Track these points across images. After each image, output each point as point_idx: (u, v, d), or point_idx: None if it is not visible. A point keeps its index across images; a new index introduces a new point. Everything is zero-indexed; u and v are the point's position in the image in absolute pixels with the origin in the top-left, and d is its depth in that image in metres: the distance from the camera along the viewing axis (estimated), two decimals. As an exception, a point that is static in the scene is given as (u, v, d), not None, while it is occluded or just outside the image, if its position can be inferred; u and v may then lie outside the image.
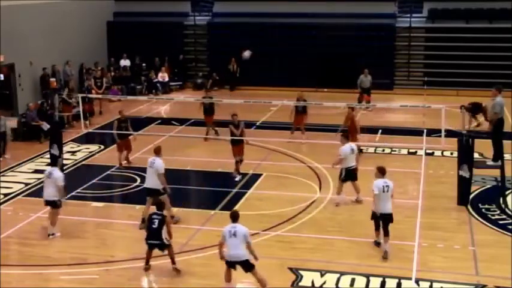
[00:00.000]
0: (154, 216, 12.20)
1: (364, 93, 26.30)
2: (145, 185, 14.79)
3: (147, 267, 12.32)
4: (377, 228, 13.16)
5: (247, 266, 11.20)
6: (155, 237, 12.08)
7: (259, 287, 11.39)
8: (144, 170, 18.18)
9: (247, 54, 24.54)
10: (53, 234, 13.94)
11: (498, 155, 17.56)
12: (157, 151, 14.66)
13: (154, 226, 12.06)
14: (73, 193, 16.61)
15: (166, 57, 31.81)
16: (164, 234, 12.09)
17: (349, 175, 15.70)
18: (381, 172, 13.24)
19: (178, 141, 21.15)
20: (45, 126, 21.77)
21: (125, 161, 19.06)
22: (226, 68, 31.21)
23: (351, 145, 15.79)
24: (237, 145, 17.61)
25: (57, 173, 14.26)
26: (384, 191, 12.92)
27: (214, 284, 11.80)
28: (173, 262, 12.23)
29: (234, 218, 11.35)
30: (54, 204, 14.05)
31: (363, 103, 25.29)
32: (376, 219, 13.14)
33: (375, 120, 24.12)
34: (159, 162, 14.22)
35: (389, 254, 12.69)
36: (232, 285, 11.51)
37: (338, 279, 11.85)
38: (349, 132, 19.12)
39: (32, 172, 18.70)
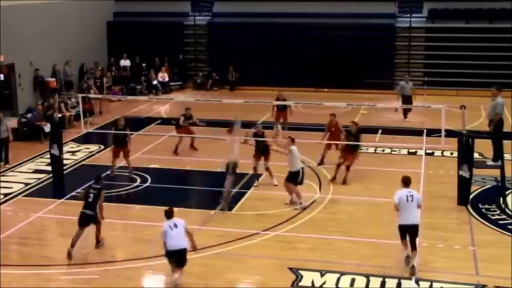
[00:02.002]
0: (91, 190, 13.26)
1: (405, 102, 24.16)
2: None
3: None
4: (403, 238, 12.22)
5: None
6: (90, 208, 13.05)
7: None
8: (144, 170, 18.32)
9: None
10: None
11: (498, 155, 17.55)
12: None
13: (89, 200, 13.09)
14: (73, 193, 16.61)
15: (166, 57, 31.82)
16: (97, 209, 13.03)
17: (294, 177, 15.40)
18: (405, 182, 12.54)
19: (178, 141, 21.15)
20: (48, 127, 21.76)
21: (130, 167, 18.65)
22: (226, 76, 31.33)
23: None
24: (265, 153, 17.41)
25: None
26: (407, 201, 12.15)
27: (214, 284, 11.80)
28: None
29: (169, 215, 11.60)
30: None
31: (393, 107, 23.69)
32: (401, 231, 12.27)
33: (375, 120, 24.12)
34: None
35: (416, 270, 11.94)
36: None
37: (338, 279, 11.85)
38: (333, 137, 18.86)
39: (32, 172, 18.69)
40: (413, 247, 12.12)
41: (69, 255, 12.74)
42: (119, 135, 18.06)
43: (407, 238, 12.10)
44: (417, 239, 12.32)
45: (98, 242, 13.35)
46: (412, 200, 12.17)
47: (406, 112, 24.15)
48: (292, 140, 15.69)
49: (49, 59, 27.01)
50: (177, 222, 11.42)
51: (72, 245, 12.84)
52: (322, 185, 17.06)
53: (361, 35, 31.04)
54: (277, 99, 21.83)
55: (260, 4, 31.41)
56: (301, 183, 15.53)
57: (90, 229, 14.27)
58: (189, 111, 20.26)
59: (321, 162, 18.76)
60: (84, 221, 13.10)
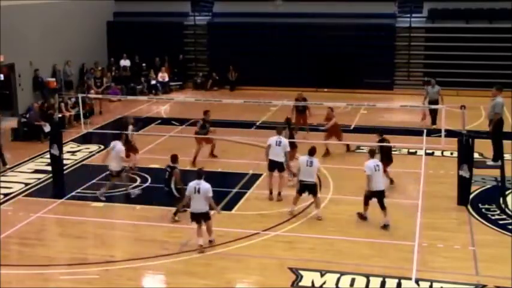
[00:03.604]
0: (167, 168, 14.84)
1: (432, 112, 22.73)
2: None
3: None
4: (366, 204, 14.37)
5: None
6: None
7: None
8: (143, 170, 18.32)
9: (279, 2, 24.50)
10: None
11: (498, 155, 17.57)
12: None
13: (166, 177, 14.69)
14: (73, 193, 16.62)
15: (166, 57, 31.82)
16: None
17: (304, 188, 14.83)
18: (371, 154, 14.59)
19: (178, 141, 21.13)
20: (47, 127, 21.75)
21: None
22: (226, 76, 31.32)
23: (308, 157, 14.74)
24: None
25: (120, 146, 16.04)
26: (375, 170, 14.07)
27: (214, 284, 11.80)
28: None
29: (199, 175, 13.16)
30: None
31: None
32: (367, 198, 14.29)
33: (375, 120, 24.11)
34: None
35: (390, 227, 13.98)
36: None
37: (338, 279, 11.85)
38: (331, 133, 19.10)
39: (32, 172, 18.68)
40: (383, 207, 14.16)
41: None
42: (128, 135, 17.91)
43: (375, 201, 14.17)
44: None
45: (176, 213, 14.57)
46: (379, 170, 14.22)
47: (434, 117, 22.91)
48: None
49: (49, 59, 27.03)
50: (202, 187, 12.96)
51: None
52: (322, 185, 17.03)
53: (361, 35, 31.05)
54: (297, 100, 21.25)
55: (260, 4, 31.43)
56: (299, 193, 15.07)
57: (86, 225, 14.30)
58: (207, 115, 19.16)
59: (327, 152, 18.90)
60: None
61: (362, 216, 14.57)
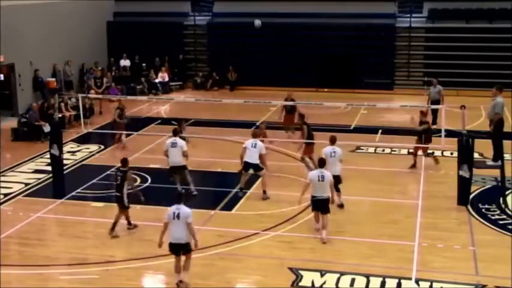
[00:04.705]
0: (118, 173, 13.99)
1: (433, 112, 22.23)
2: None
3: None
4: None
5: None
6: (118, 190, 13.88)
7: None
8: (144, 170, 18.31)
9: (257, 23, 24.65)
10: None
11: (498, 155, 17.55)
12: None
13: (117, 182, 13.94)
14: (73, 193, 16.61)
15: (166, 57, 31.83)
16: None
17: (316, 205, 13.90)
18: (331, 141, 15.35)
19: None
20: (47, 127, 21.74)
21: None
22: (225, 76, 31.33)
23: (320, 170, 13.76)
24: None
25: (181, 141, 16.19)
26: (330, 156, 14.80)
27: (214, 284, 11.80)
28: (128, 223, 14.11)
29: None
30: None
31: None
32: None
33: (375, 120, 24.12)
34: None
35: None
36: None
37: (338, 279, 11.85)
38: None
39: (32, 172, 18.68)
40: (338, 190, 15.08)
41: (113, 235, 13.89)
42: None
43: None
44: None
45: (129, 224, 14.15)
46: (334, 156, 14.97)
47: (434, 117, 22.69)
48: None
49: (49, 59, 27.03)
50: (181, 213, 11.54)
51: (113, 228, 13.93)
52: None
53: (361, 35, 31.06)
54: (285, 100, 21.24)
55: (260, 4, 31.40)
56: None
57: (86, 225, 14.31)
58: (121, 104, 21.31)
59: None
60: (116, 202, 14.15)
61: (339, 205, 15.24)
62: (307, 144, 17.67)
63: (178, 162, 16.00)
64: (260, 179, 16.67)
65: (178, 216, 11.31)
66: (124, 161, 14.19)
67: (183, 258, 11.51)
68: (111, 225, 13.86)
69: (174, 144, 15.95)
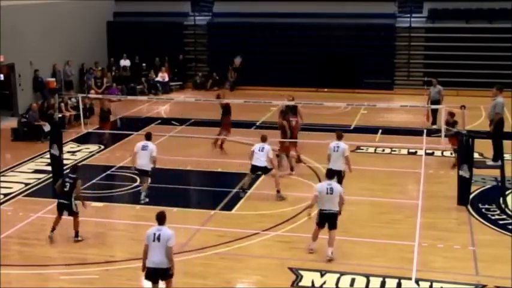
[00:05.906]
0: (67, 180, 13.58)
1: (433, 112, 22.35)
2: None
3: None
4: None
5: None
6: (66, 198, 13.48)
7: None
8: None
9: (237, 61, 25.20)
10: None
11: (498, 155, 17.56)
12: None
13: (65, 189, 13.47)
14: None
15: (166, 57, 31.83)
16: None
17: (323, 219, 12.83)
18: (337, 136, 15.68)
19: (178, 141, 21.16)
20: (47, 127, 21.74)
21: None
22: (226, 75, 31.33)
23: (328, 182, 12.86)
24: None
25: (152, 146, 15.88)
26: (334, 151, 15.22)
27: (214, 284, 11.79)
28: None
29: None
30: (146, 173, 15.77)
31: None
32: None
33: (375, 120, 24.13)
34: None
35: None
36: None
37: (338, 279, 11.84)
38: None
39: (32, 172, 18.67)
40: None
41: (51, 240, 13.53)
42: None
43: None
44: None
45: (76, 236, 13.59)
46: (338, 151, 15.24)
47: (434, 117, 22.70)
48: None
49: (49, 59, 27.02)
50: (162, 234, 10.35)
51: (52, 230, 13.59)
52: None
53: (361, 35, 31.07)
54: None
55: (260, 4, 31.40)
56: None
57: (87, 225, 14.29)
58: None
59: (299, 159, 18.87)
60: (61, 209, 13.64)
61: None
62: (287, 141, 17.73)
63: (143, 166, 15.83)
64: (260, 179, 16.65)
65: (158, 238, 10.20)
66: (74, 168, 14.16)
67: (161, 286, 10.47)
68: (52, 227, 13.65)
69: (144, 148, 15.78)
